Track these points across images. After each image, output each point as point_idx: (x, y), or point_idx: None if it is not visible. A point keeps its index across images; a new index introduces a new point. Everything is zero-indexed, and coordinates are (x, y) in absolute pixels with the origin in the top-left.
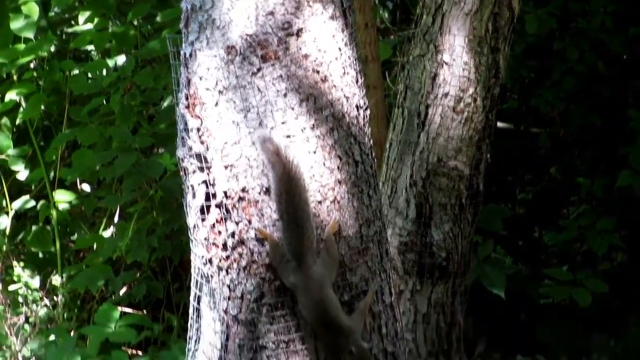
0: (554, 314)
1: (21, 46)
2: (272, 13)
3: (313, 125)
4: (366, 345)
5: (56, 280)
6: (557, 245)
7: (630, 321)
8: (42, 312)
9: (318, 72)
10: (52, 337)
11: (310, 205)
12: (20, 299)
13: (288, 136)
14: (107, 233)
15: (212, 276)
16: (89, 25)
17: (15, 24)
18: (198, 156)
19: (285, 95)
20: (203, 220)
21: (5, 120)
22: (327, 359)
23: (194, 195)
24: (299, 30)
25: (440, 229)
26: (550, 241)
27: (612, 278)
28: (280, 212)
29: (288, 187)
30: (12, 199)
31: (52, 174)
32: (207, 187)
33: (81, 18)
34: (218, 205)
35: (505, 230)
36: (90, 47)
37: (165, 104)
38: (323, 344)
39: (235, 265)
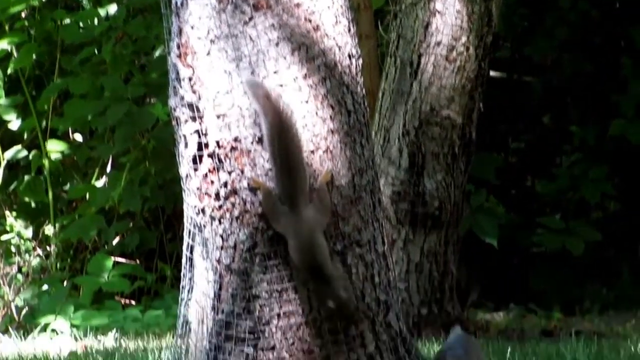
0: (546, 263)
1: None
2: None
3: (305, 74)
4: (346, 296)
5: (49, 230)
6: (550, 194)
7: (622, 269)
8: (34, 262)
9: (310, 20)
10: (45, 287)
11: (302, 150)
12: (13, 249)
13: (280, 85)
14: (99, 183)
15: (204, 226)
16: None
17: None
18: (190, 106)
19: (277, 44)
20: (195, 170)
21: None
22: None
23: (186, 145)
24: None
25: (433, 178)
26: (543, 190)
27: (604, 226)
28: (272, 157)
29: (280, 132)
30: (5, 149)
31: (44, 123)
32: (199, 136)
33: None
34: (210, 155)
35: (498, 179)
36: None
37: (157, 53)
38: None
39: (227, 214)
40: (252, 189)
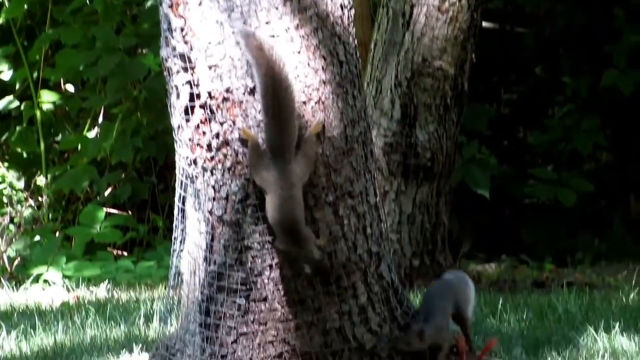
0: (538, 214)
1: None
2: None
3: (297, 25)
4: (318, 257)
5: (41, 180)
6: (542, 145)
7: (614, 220)
8: (26, 212)
9: None
10: (37, 238)
11: (295, 102)
12: (5, 200)
13: (272, 36)
14: (91, 134)
15: (196, 177)
16: None
17: None
18: (182, 56)
19: None
20: (187, 121)
21: None
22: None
23: (178, 96)
24: None
25: (425, 129)
26: (535, 141)
27: (596, 178)
28: (264, 109)
29: (273, 84)
30: None
31: (35, 74)
32: (191, 87)
33: None
34: (202, 106)
35: (490, 131)
36: None
37: (149, 3)
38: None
39: (219, 166)
40: (244, 141)
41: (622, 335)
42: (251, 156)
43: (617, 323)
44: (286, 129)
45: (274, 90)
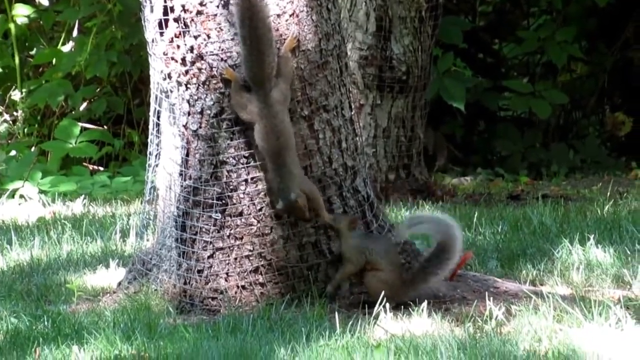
0: (513, 127)
1: None
2: None
3: None
4: (293, 197)
5: (15, 95)
6: (517, 57)
7: (588, 132)
8: (2, 127)
9: None
10: (12, 153)
11: (272, 31)
12: None
13: None
14: (66, 48)
15: (171, 91)
16: None
17: None
18: None
19: None
20: (161, 34)
21: None
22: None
23: (151, 9)
24: None
25: (400, 42)
26: (510, 53)
27: (571, 89)
28: (243, 38)
29: (251, 13)
30: None
31: None
32: (165, 0)
33: None
34: (176, 19)
35: (465, 43)
36: None
37: None
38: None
39: (194, 80)
40: (218, 54)
41: (597, 247)
42: (234, 95)
43: (592, 235)
44: (265, 60)
45: (251, 20)
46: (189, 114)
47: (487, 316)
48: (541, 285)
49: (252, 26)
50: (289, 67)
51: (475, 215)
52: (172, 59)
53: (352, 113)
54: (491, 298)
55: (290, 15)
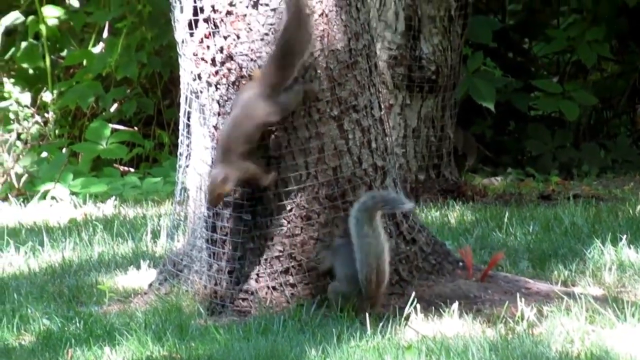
0: (544, 126)
1: None
2: None
3: None
4: (266, 183)
5: (47, 96)
6: (547, 56)
7: (619, 132)
8: (33, 129)
9: None
10: (44, 154)
11: (308, 50)
12: (12, 116)
13: None
14: (96, 49)
15: (201, 92)
16: None
17: None
18: None
19: None
20: (191, 35)
21: None
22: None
23: (181, 10)
24: None
25: (430, 42)
26: (540, 52)
27: (602, 89)
28: (278, 44)
29: (296, 24)
30: (2, 15)
31: None
32: (194, 1)
33: None
34: (206, 20)
35: (495, 42)
36: None
37: None
38: None
39: (224, 80)
40: (248, 55)
41: (629, 247)
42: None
43: (624, 235)
44: (288, 72)
45: (291, 34)
46: (219, 114)
47: (518, 317)
48: (573, 286)
49: (292, 37)
50: (298, 99)
51: (506, 216)
52: (202, 59)
53: (382, 113)
54: (522, 299)
55: (320, 15)
